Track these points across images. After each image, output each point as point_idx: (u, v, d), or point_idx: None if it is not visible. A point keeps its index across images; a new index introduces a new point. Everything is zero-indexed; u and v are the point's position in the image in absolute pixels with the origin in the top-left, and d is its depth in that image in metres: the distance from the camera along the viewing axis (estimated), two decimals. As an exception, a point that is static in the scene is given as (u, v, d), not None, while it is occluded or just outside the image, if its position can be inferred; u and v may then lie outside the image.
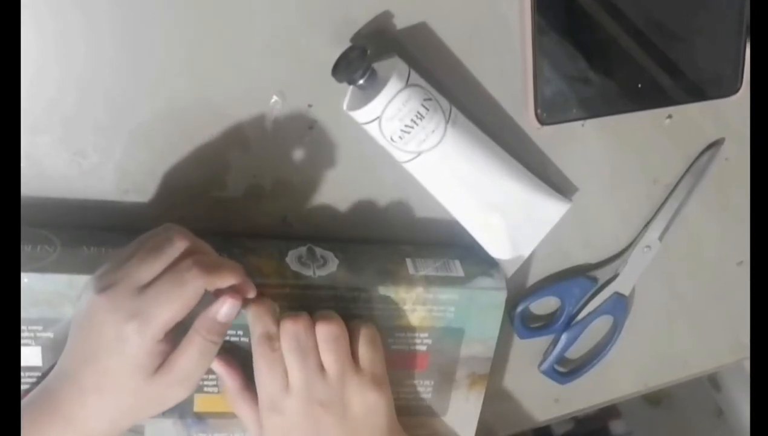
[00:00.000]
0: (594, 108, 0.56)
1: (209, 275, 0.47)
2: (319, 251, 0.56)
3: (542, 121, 0.56)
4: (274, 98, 0.53)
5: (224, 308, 0.49)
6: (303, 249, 0.55)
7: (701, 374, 0.75)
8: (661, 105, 0.58)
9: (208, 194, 0.55)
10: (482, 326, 0.57)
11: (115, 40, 0.50)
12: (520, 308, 0.63)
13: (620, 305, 0.65)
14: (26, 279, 0.49)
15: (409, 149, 0.52)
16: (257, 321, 0.51)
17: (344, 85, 0.51)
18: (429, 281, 0.56)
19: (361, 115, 0.51)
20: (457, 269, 0.57)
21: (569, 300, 0.64)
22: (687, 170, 0.62)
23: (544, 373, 0.67)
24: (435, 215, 0.58)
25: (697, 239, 0.66)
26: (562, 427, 1.23)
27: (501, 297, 0.57)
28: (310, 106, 0.54)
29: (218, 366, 0.53)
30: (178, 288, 0.47)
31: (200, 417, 0.56)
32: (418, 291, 0.55)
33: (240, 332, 0.53)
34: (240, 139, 0.54)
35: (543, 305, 0.65)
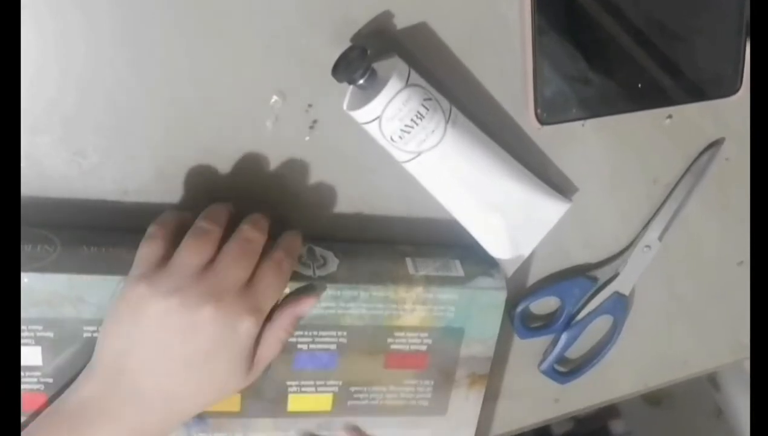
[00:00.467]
0: (594, 108, 0.56)
1: (293, 256, 0.52)
2: (319, 250, 0.56)
3: (542, 121, 0.56)
4: (274, 98, 0.53)
5: (308, 306, 0.52)
6: (303, 249, 0.55)
7: (701, 373, 0.75)
8: (661, 105, 0.58)
9: (209, 194, 0.55)
10: (482, 326, 0.57)
11: (116, 40, 0.50)
12: (520, 308, 0.63)
13: (620, 305, 0.65)
14: (26, 279, 0.49)
15: (409, 149, 0.52)
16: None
17: (344, 85, 0.51)
18: (429, 281, 0.56)
19: (361, 115, 0.51)
20: (457, 269, 0.57)
21: (569, 300, 0.64)
22: (687, 170, 0.62)
23: (544, 373, 0.67)
24: (435, 215, 0.58)
25: (697, 238, 0.66)
26: (562, 427, 1.23)
27: (501, 297, 0.57)
28: (310, 106, 0.54)
29: None
30: (282, 278, 0.50)
31: (200, 416, 0.56)
32: (418, 291, 0.55)
33: None
34: (240, 139, 0.54)
35: (543, 304, 0.65)
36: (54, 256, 0.51)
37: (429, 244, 0.59)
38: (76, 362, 0.51)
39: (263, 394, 0.56)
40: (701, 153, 0.62)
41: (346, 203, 0.58)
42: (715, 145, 0.62)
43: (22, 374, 0.51)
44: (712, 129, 0.61)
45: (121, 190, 0.54)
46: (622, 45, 0.55)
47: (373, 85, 0.50)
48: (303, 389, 0.57)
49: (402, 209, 0.59)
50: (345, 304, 0.54)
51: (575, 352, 0.68)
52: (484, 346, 0.58)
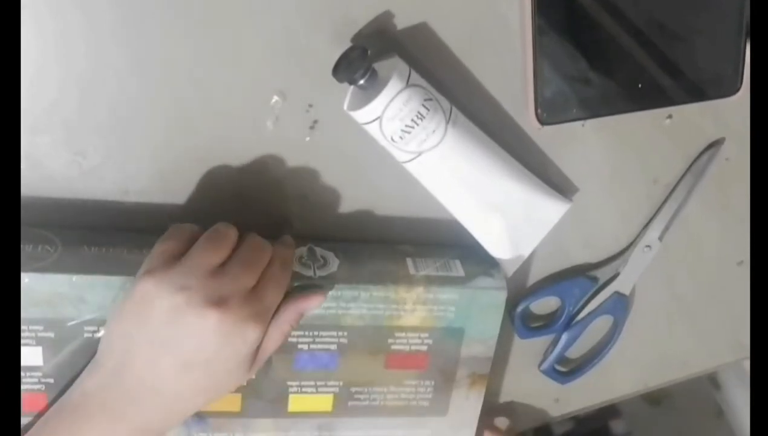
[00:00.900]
0: (594, 108, 0.56)
1: (290, 260, 0.53)
2: (319, 251, 0.56)
3: (542, 121, 0.56)
4: (275, 98, 0.53)
5: (315, 303, 0.52)
6: (303, 249, 0.55)
7: (701, 373, 0.75)
8: (661, 105, 0.58)
9: (209, 194, 0.55)
10: (482, 326, 0.57)
11: (116, 41, 0.50)
12: (520, 308, 0.63)
13: (620, 305, 0.65)
14: (27, 279, 0.49)
15: (410, 149, 0.52)
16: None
17: (345, 85, 0.51)
18: (429, 281, 0.56)
19: (361, 115, 0.51)
20: (458, 269, 0.57)
21: (569, 300, 0.64)
22: (687, 170, 0.62)
23: (545, 372, 0.67)
24: (435, 215, 0.58)
25: (697, 238, 0.66)
26: (562, 426, 1.23)
27: (501, 297, 0.57)
28: (310, 106, 0.54)
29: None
30: (284, 282, 0.51)
31: (201, 416, 0.56)
32: (419, 291, 0.55)
33: None
34: (241, 139, 0.54)
35: (543, 304, 0.65)
36: (55, 256, 0.51)
37: (429, 244, 0.59)
38: (77, 362, 0.51)
39: (263, 394, 0.56)
40: (701, 153, 0.62)
41: (346, 203, 0.58)
42: (715, 145, 0.62)
43: (22, 374, 0.51)
44: (712, 129, 0.61)
45: (122, 190, 0.54)
46: (622, 45, 0.55)
47: (373, 86, 0.50)
48: (303, 389, 0.57)
49: (402, 209, 0.59)
50: (345, 304, 0.54)
51: (575, 352, 0.68)
52: (485, 346, 0.58)
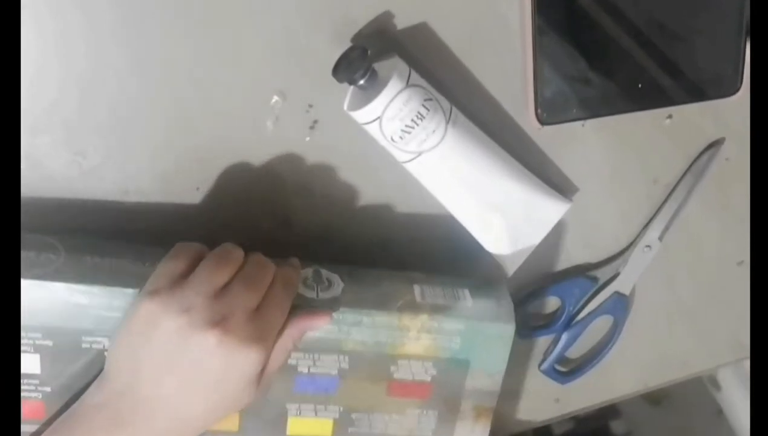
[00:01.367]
0: (594, 108, 0.56)
1: (296, 285, 0.52)
2: (325, 273, 0.55)
3: (542, 121, 0.56)
4: (275, 98, 0.53)
5: (320, 322, 0.51)
6: (309, 271, 0.54)
7: (701, 373, 0.75)
8: (661, 105, 0.58)
9: (209, 194, 0.55)
10: (489, 359, 0.56)
11: (116, 41, 0.50)
12: (520, 308, 0.63)
13: (620, 305, 0.65)
14: (27, 286, 0.49)
15: (410, 149, 0.52)
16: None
17: (345, 85, 0.51)
18: (435, 309, 0.54)
19: (361, 115, 0.51)
20: (466, 299, 0.56)
21: (569, 300, 0.64)
22: (687, 170, 0.62)
23: (545, 372, 0.67)
24: (435, 215, 0.58)
25: (697, 238, 0.66)
26: (563, 426, 1.23)
27: (509, 330, 0.55)
28: (310, 106, 0.54)
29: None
30: (287, 304, 0.50)
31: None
32: (423, 319, 0.54)
33: None
34: (241, 140, 0.54)
35: (543, 304, 0.65)
36: (57, 264, 0.50)
37: (439, 272, 0.58)
38: (76, 372, 0.51)
39: (262, 415, 0.55)
40: (701, 153, 0.62)
41: (346, 203, 0.58)
42: (715, 145, 0.62)
43: (21, 381, 0.51)
44: (712, 129, 0.61)
45: (122, 190, 0.54)
46: (622, 45, 0.55)
47: (373, 86, 0.50)
48: (303, 412, 0.56)
49: (403, 209, 0.59)
50: (347, 328, 0.53)
51: (575, 352, 0.68)
52: (491, 379, 0.57)
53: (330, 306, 0.52)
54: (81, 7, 0.49)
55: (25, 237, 0.50)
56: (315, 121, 0.55)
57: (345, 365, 0.55)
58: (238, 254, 0.50)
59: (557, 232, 0.59)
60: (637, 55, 0.56)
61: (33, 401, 0.52)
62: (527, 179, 0.57)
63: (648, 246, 0.64)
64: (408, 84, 0.50)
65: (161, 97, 0.52)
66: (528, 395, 0.69)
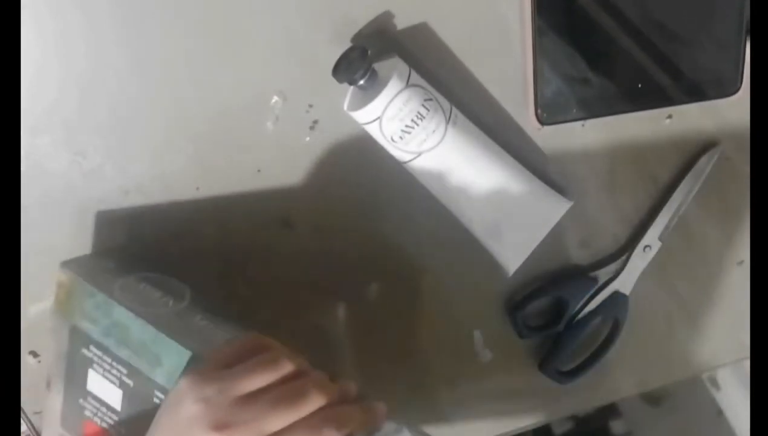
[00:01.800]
0: (594, 108, 0.56)
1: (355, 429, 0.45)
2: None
3: (542, 122, 0.56)
4: (275, 99, 0.53)
5: None
6: (398, 427, 0.48)
7: (701, 373, 0.75)
8: (661, 105, 0.58)
9: (209, 195, 0.55)
10: None
11: (116, 41, 0.50)
12: (520, 308, 0.63)
13: (620, 305, 0.65)
14: (130, 319, 0.48)
15: (410, 149, 0.52)
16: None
17: (345, 85, 0.51)
18: None
19: (361, 115, 0.51)
20: None
21: (570, 299, 0.64)
22: (687, 170, 0.62)
23: (545, 372, 0.67)
24: (435, 215, 0.58)
25: (697, 238, 0.66)
26: (562, 426, 1.23)
27: None
28: (310, 106, 0.54)
29: None
30: None
31: None
32: None
33: None
34: (241, 140, 0.54)
35: (544, 304, 0.65)
36: (169, 313, 0.49)
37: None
38: (141, 426, 0.48)
39: None
40: (701, 153, 0.62)
41: (347, 203, 0.58)
42: (715, 145, 0.62)
43: (102, 409, 0.51)
44: (712, 129, 0.61)
45: (122, 190, 0.54)
46: (622, 45, 0.55)
47: (373, 86, 0.50)
48: None
49: (403, 209, 0.59)
50: None
51: (575, 352, 0.67)
52: None
53: None
54: (81, 7, 0.49)
55: (161, 277, 0.50)
56: (315, 122, 0.55)
57: None
58: (288, 366, 0.45)
59: (557, 232, 0.59)
60: (637, 55, 0.56)
61: (102, 429, 0.51)
62: (527, 179, 0.57)
63: (648, 246, 0.64)
64: (408, 84, 0.50)
65: (161, 98, 0.52)
66: (528, 394, 0.69)
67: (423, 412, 0.66)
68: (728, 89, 0.58)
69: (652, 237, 0.63)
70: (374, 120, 0.51)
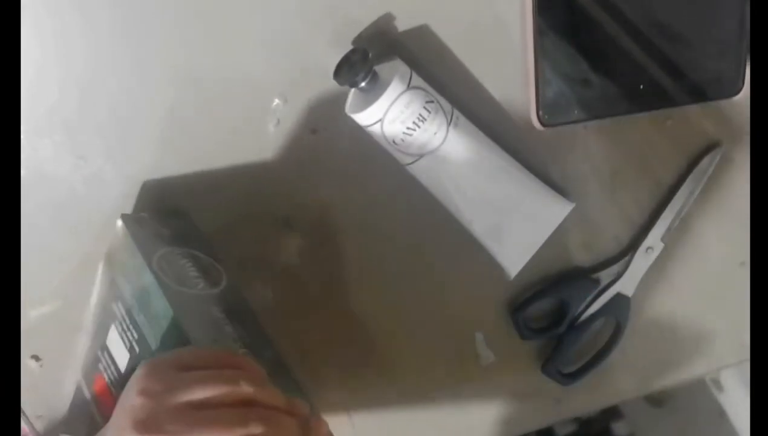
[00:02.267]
0: (595, 110, 0.56)
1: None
2: None
3: (544, 123, 0.56)
4: (276, 101, 0.53)
5: None
6: None
7: (704, 375, 0.75)
8: (663, 106, 0.58)
9: (211, 197, 0.55)
10: None
11: (116, 45, 0.50)
12: (522, 310, 0.63)
13: (623, 306, 0.65)
14: (156, 288, 0.47)
15: (412, 152, 0.52)
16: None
17: (346, 87, 0.51)
18: None
19: (363, 117, 0.51)
20: None
21: (572, 301, 0.64)
22: (689, 172, 0.62)
23: (547, 374, 0.67)
24: (437, 217, 0.58)
25: (699, 240, 0.66)
26: (565, 428, 1.23)
27: None
28: (312, 109, 0.54)
29: None
30: None
31: None
32: None
33: None
34: (242, 142, 0.54)
35: (546, 306, 0.65)
36: (193, 292, 0.49)
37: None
38: None
39: None
40: (703, 154, 0.62)
41: (348, 204, 0.58)
42: (716, 146, 0.61)
43: (110, 365, 0.50)
44: (713, 130, 0.61)
45: (123, 193, 0.54)
46: (623, 47, 0.55)
47: (375, 88, 0.50)
48: None
49: (404, 211, 0.59)
50: None
51: (578, 353, 0.67)
52: None
53: None
54: (80, 8, 0.49)
55: (207, 259, 0.50)
56: (316, 124, 0.55)
57: None
58: (244, 388, 0.43)
59: (559, 234, 0.59)
60: (639, 56, 0.56)
61: (109, 387, 0.51)
62: (529, 181, 0.56)
63: (650, 248, 0.64)
64: (409, 86, 0.50)
65: (162, 100, 0.52)
66: (530, 396, 0.69)
67: (424, 413, 0.66)
68: (730, 90, 0.58)
69: (654, 239, 0.63)
70: (376, 122, 0.51)
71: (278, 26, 0.51)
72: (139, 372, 0.44)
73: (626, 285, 0.64)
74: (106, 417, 0.47)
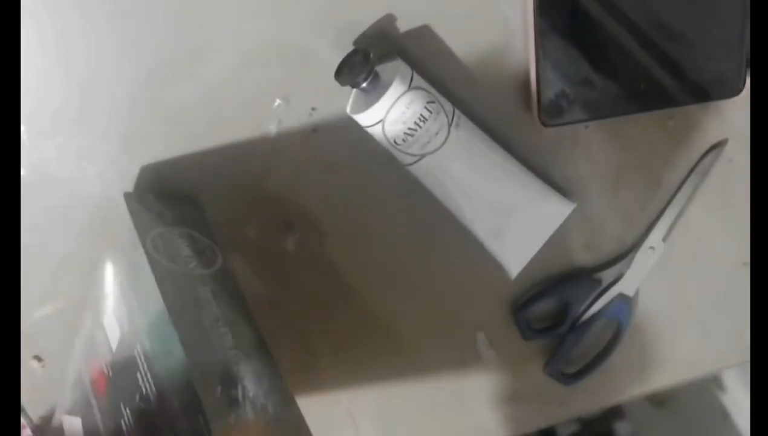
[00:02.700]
0: (597, 110, 0.56)
1: None
2: None
3: (545, 123, 0.56)
4: (278, 102, 0.54)
5: None
6: None
7: (706, 375, 0.75)
8: (664, 106, 0.58)
9: (211, 198, 0.55)
10: None
11: (118, 45, 0.50)
12: (524, 310, 0.63)
13: (625, 307, 0.65)
14: (145, 264, 0.47)
15: (413, 152, 0.52)
16: None
17: (347, 88, 0.51)
18: None
19: (364, 118, 0.51)
20: None
21: (574, 302, 0.64)
22: (690, 172, 0.62)
23: (549, 375, 0.67)
24: (438, 217, 0.58)
25: (701, 240, 0.66)
26: (567, 428, 1.23)
27: None
28: (313, 109, 0.54)
29: None
30: None
31: None
32: None
33: None
34: (243, 143, 0.54)
35: (547, 306, 0.65)
36: (182, 269, 0.49)
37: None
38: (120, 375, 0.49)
39: None
40: (704, 154, 0.62)
41: (350, 206, 0.58)
42: (718, 146, 0.61)
43: (103, 345, 0.50)
44: (715, 130, 0.61)
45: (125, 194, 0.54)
46: (624, 47, 0.55)
47: (376, 89, 0.50)
48: None
49: (406, 211, 0.59)
50: None
51: (580, 354, 0.67)
52: None
53: None
54: (79, 9, 0.49)
55: (206, 241, 0.49)
56: (317, 125, 0.55)
57: None
58: None
59: (561, 234, 0.59)
60: (640, 56, 0.56)
61: (102, 368, 0.51)
62: (531, 181, 0.56)
63: (652, 248, 0.64)
64: (410, 87, 0.50)
65: (164, 102, 0.52)
66: (532, 397, 0.69)
67: (425, 413, 0.66)
68: (731, 90, 0.58)
69: (656, 239, 0.63)
70: (377, 123, 0.51)
71: (280, 27, 0.51)
72: None
73: (628, 285, 0.64)
74: (101, 399, 0.47)
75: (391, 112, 0.50)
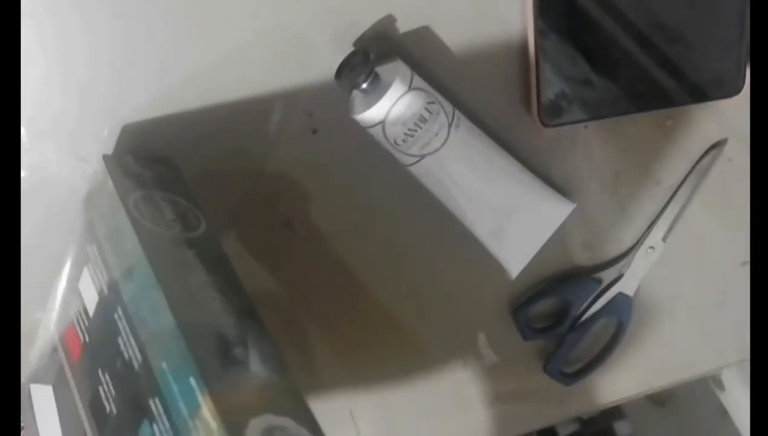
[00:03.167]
0: (596, 110, 0.56)
1: None
2: None
3: (545, 124, 0.56)
4: (277, 102, 0.54)
5: None
6: None
7: (706, 374, 0.75)
8: (664, 106, 0.58)
9: (211, 200, 0.55)
10: None
11: (117, 47, 0.50)
12: (524, 310, 0.63)
13: (624, 306, 0.65)
14: (128, 226, 0.46)
15: (413, 152, 0.52)
16: None
17: (347, 89, 0.51)
18: None
19: (364, 119, 0.51)
20: None
21: (573, 301, 0.64)
22: (690, 171, 0.62)
23: (549, 374, 0.67)
24: (438, 217, 0.58)
25: (700, 239, 0.66)
26: (567, 428, 1.23)
27: None
28: (313, 110, 0.54)
29: None
30: None
31: None
32: None
33: None
34: (243, 145, 0.54)
35: (547, 306, 0.65)
36: (167, 233, 0.47)
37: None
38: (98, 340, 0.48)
39: None
40: (704, 154, 0.62)
41: (350, 207, 0.58)
42: (717, 145, 0.62)
43: (81, 311, 0.49)
44: (714, 130, 0.61)
45: (126, 195, 0.55)
46: (624, 47, 0.55)
47: (376, 90, 0.50)
48: None
49: (406, 212, 0.59)
50: None
51: (580, 353, 0.67)
52: None
53: None
54: (79, 9, 0.49)
55: (188, 205, 0.48)
56: (318, 126, 0.55)
57: None
58: None
59: (561, 233, 0.59)
60: (639, 56, 0.56)
61: (78, 334, 0.50)
62: (530, 181, 0.57)
63: (651, 247, 0.64)
64: (410, 87, 0.50)
65: (163, 104, 0.52)
66: (532, 396, 0.69)
67: (425, 413, 0.66)
68: (730, 90, 0.58)
69: (655, 238, 0.63)
70: (377, 124, 0.51)
71: (279, 27, 0.51)
72: None
73: (628, 285, 0.64)
74: (75, 365, 0.46)
75: (391, 113, 0.50)
